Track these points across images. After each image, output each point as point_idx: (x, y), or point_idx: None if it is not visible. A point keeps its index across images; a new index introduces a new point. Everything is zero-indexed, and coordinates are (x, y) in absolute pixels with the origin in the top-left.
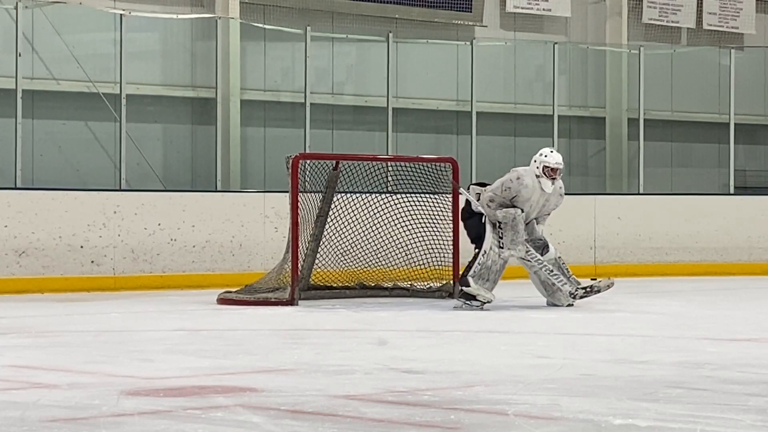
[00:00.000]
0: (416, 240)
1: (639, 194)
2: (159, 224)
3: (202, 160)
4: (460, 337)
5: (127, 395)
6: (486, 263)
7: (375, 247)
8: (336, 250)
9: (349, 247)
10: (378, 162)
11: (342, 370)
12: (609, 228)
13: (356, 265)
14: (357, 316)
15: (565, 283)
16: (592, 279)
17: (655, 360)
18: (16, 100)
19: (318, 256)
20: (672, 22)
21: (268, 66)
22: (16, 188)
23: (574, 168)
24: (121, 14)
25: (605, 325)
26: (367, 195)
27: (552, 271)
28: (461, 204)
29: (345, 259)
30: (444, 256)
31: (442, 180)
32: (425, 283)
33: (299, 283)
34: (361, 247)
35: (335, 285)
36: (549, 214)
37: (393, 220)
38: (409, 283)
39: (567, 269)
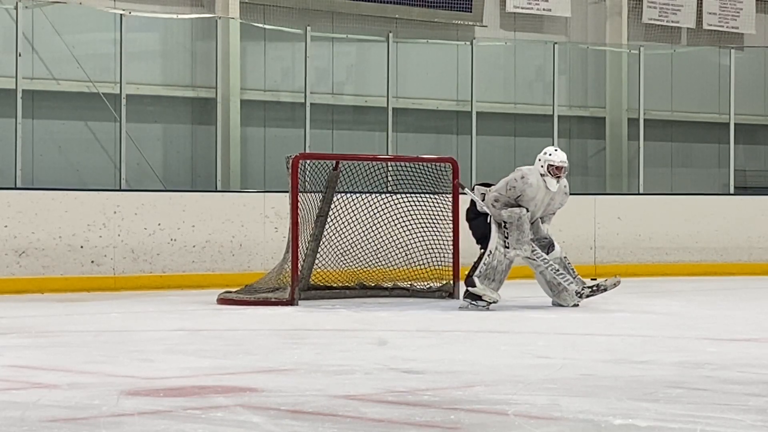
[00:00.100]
0: (416, 240)
1: (639, 194)
2: (159, 224)
3: (202, 160)
4: (460, 337)
5: (127, 395)
6: (491, 263)
7: (375, 247)
8: (336, 250)
9: (349, 247)
10: (378, 162)
11: (342, 370)
12: (609, 228)
13: (356, 265)
14: (357, 316)
15: (572, 282)
16: (591, 279)
17: (655, 360)
18: (16, 100)
19: (318, 256)
20: (672, 22)
21: (268, 66)
22: (16, 188)
23: (574, 168)
24: (121, 14)
25: (605, 325)
26: (367, 195)
27: (558, 270)
28: (462, 204)
29: (345, 259)
30: (444, 256)
31: (442, 180)
32: (425, 283)
33: (299, 283)
34: (361, 247)
35: (335, 285)
36: (554, 213)
37: (393, 220)
38: (409, 283)
39: (572, 269)
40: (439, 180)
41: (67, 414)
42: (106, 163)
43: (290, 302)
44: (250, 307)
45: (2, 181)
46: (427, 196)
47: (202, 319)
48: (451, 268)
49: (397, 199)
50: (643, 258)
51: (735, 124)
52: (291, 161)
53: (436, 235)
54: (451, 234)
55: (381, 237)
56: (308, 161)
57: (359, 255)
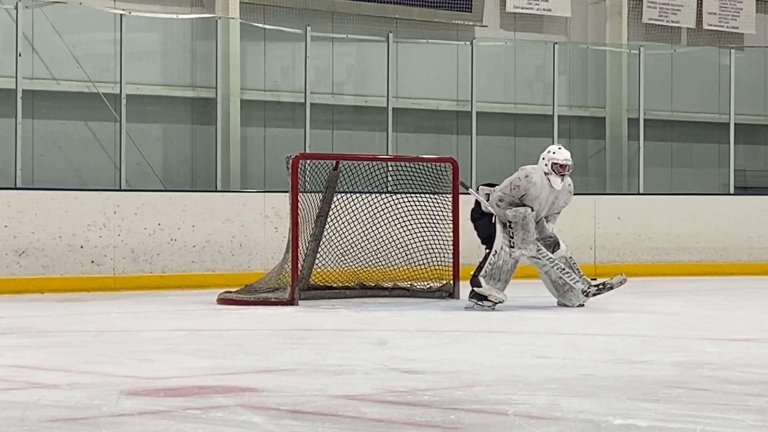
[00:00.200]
0: (416, 240)
1: (639, 194)
2: (159, 224)
3: (202, 160)
4: (460, 337)
5: (127, 395)
6: (497, 263)
7: (375, 247)
8: (336, 250)
9: (349, 247)
10: (378, 162)
11: (342, 370)
12: (609, 228)
13: (356, 265)
14: (357, 316)
15: (578, 281)
16: (592, 279)
17: (655, 360)
18: (16, 100)
19: (318, 256)
20: (672, 22)
21: (268, 66)
22: (16, 188)
23: (574, 168)
24: (121, 14)
25: (605, 325)
26: (367, 195)
27: (564, 269)
28: (462, 205)
29: (345, 259)
30: (444, 256)
31: (442, 180)
32: (425, 283)
33: (299, 283)
34: (361, 247)
35: (335, 285)
36: (559, 213)
37: (393, 220)
38: (409, 283)
39: (577, 268)
40: (439, 180)
41: (67, 414)
42: (106, 163)
43: (290, 302)
44: (250, 307)
45: (2, 181)
46: (427, 196)
47: (202, 319)
48: (451, 268)
49: (397, 199)
50: (643, 258)
51: (735, 124)
52: (291, 161)
53: (436, 235)
54: (451, 234)
55: (381, 237)
56: (308, 161)
57: (359, 255)
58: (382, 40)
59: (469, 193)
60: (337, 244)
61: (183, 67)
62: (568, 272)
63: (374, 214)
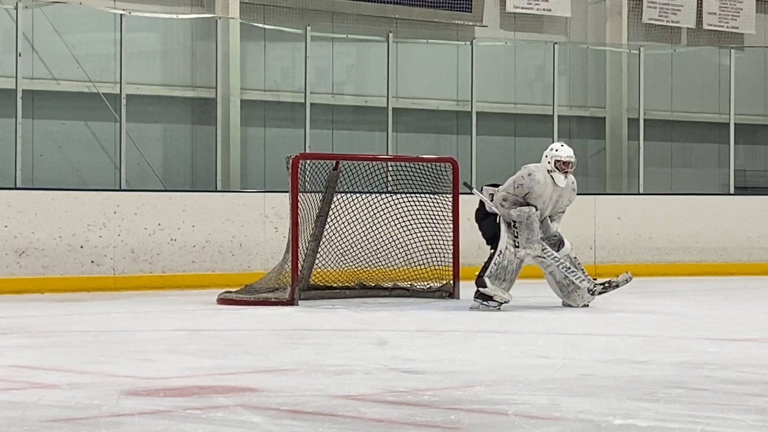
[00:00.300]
0: (416, 240)
1: (639, 194)
2: (159, 224)
3: (202, 160)
4: (460, 337)
5: (127, 395)
6: (502, 263)
7: (375, 247)
8: (336, 250)
9: (349, 247)
10: (378, 162)
11: (342, 370)
12: (609, 228)
13: (356, 265)
14: (357, 316)
15: (583, 280)
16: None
17: (655, 360)
18: (16, 100)
19: (318, 256)
20: (672, 22)
21: (268, 66)
22: (16, 188)
23: (575, 168)
24: (121, 14)
25: (605, 325)
26: (367, 195)
27: (569, 268)
28: (463, 205)
29: (345, 259)
30: (444, 256)
31: (442, 180)
32: (425, 283)
33: (299, 283)
34: (361, 247)
35: (335, 285)
36: (564, 212)
37: (393, 220)
38: (409, 283)
39: (582, 269)
40: (439, 180)
41: (67, 414)
42: (106, 163)
43: (290, 302)
44: (250, 307)
45: (2, 181)
46: (427, 196)
47: (202, 319)
48: (451, 268)
49: (397, 199)
50: (643, 258)
51: (735, 124)
52: (291, 161)
53: (436, 235)
54: (451, 234)
55: (381, 237)
56: (308, 161)
57: (359, 255)
58: (382, 40)
59: (473, 194)
60: (337, 244)
61: (183, 67)
62: (573, 271)
63: (374, 214)
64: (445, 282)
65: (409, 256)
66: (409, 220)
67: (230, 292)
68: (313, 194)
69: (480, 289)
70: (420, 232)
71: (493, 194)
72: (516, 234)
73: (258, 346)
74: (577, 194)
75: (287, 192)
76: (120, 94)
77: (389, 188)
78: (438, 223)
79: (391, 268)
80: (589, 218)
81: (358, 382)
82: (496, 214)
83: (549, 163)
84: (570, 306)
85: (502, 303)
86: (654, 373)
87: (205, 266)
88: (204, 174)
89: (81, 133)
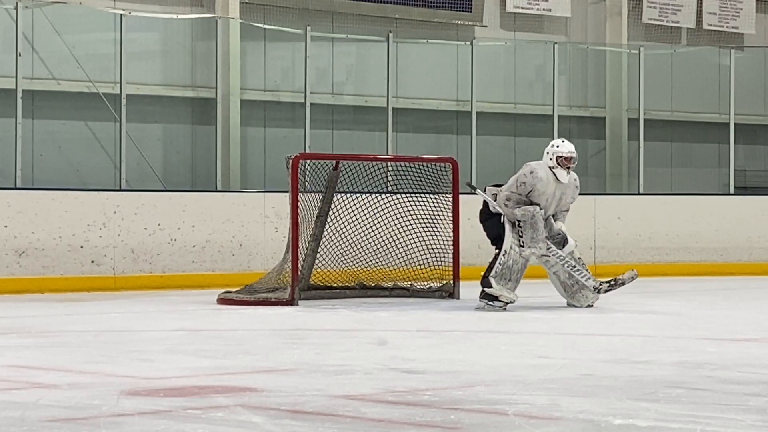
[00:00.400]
0: (416, 240)
1: (639, 194)
2: (159, 224)
3: (202, 160)
4: (460, 337)
5: (127, 395)
6: (507, 263)
7: (375, 247)
8: (336, 250)
9: (349, 247)
10: (378, 162)
11: (342, 370)
12: (609, 228)
13: (356, 265)
14: (357, 316)
15: (589, 278)
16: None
17: (655, 360)
18: (16, 100)
19: (318, 256)
20: (672, 22)
21: (268, 66)
22: (16, 188)
23: (574, 168)
24: (121, 14)
25: (605, 325)
26: (367, 195)
27: (575, 266)
28: (463, 205)
29: (345, 259)
30: (444, 256)
31: (442, 180)
32: (425, 283)
33: (299, 283)
34: (361, 247)
35: (335, 285)
36: (568, 210)
37: (393, 220)
38: (409, 283)
39: (586, 269)
40: (439, 180)
41: (67, 414)
42: (106, 163)
43: (290, 302)
44: (250, 307)
45: (2, 181)
46: (427, 196)
47: (202, 319)
48: (451, 268)
49: (397, 199)
50: (643, 258)
51: (735, 124)
52: (291, 161)
53: (436, 235)
54: (451, 234)
55: (381, 237)
56: (308, 161)
57: (359, 255)
58: (382, 40)
59: (476, 194)
60: (337, 244)
61: (183, 67)
62: (579, 270)
63: (374, 214)
64: (445, 282)
65: (409, 256)
66: (409, 220)
67: (230, 292)
68: (313, 194)
69: (485, 289)
70: (420, 232)
71: (496, 194)
72: (521, 233)
73: (258, 346)
74: (577, 195)
75: (287, 192)
76: (120, 94)
77: (389, 188)
78: (438, 223)
79: (391, 268)
80: (589, 218)
81: (358, 382)
82: (500, 214)
83: (551, 159)
84: (574, 306)
85: (507, 303)
86: (654, 373)
87: (205, 266)
88: (204, 174)
89: (81, 133)
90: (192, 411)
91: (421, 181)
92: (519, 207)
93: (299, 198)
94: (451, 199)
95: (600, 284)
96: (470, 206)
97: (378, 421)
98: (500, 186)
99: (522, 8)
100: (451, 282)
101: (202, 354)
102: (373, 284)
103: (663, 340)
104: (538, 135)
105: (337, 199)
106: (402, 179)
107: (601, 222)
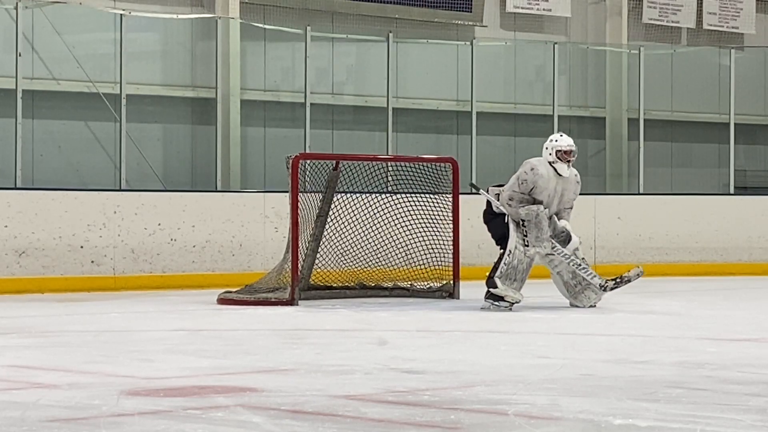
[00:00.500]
0: (416, 240)
1: (639, 194)
2: (159, 224)
3: (202, 160)
4: (460, 337)
5: (127, 395)
6: (512, 263)
7: (375, 247)
8: (336, 250)
9: (349, 247)
10: (378, 162)
11: (342, 370)
12: (609, 228)
13: (356, 265)
14: (357, 316)
15: (594, 276)
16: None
17: (655, 360)
18: (16, 100)
19: (318, 256)
20: (672, 22)
21: (268, 66)
22: (16, 188)
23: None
24: (121, 14)
25: (605, 325)
26: (367, 195)
27: (580, 264)
28: (463, 205)
29: (345, 259)
30: (444, 256)
31: (442, 180)
32: (425, 283)
33: (299, 283)
34: (361, 247)
35: (335, 285)
36: (572, 207)
37: (393, 220)
38: (409, 283)
39: (588, 266)
40: (439, 180)
41: (67, 414)
42: (106, 163)
43: (290, 302)
44: (250, 307)
45: (2, 181)
46: (427, 196)
47: (202, 319)
48: (451, 268)
49: (397, 199)
50: (643, 258)
51: (735, 124)
52: (291, 161)
53: (436, 235)
54: (451, 234)
55: (381, 237)
56: (308, 161)
57: (359, 255)
58: (382, 40)
59: (479, 194)
60: (337, 244)
61: (183, 67)
62: (584, 268)
63: (374, 214)
64: (445, 282)
65: (409, 256)
66: (409, 220)
67: (230, 292)
68: (313, 194)
69: (491, 289)
70: (420, 232)
71: (498, 194)
72: (525, 233)
73: (258, 346)
74: (577, 195)
75: (287, 192)
76: (120, 94)
77: (389, 188)
78: (438, 223)
79: (391, 268)
80: (589, 218)
81: (358, 382)
82: (504, 214)
83: (550, 154)
84: (577, 306)
85: (513, 303)
86: (654, 373)
87: (205, 266)
88: (204, 174)
89: (81, 133)
90: (192, 411)
91: (421, 181)
92: (522, 206)
93: (299, 198)
94: (451, 199)
95: (606, 282)
96: (470, 206)
97: (378, 421)
98: (502, 186)
99: (522, 8)
100: (451, 282)
101: (202, 354)
102: (373, 284)
103: (663, 340)
104: (538, 135)
105: (337, 199)
106: (402, 179)
107: (601, 222)
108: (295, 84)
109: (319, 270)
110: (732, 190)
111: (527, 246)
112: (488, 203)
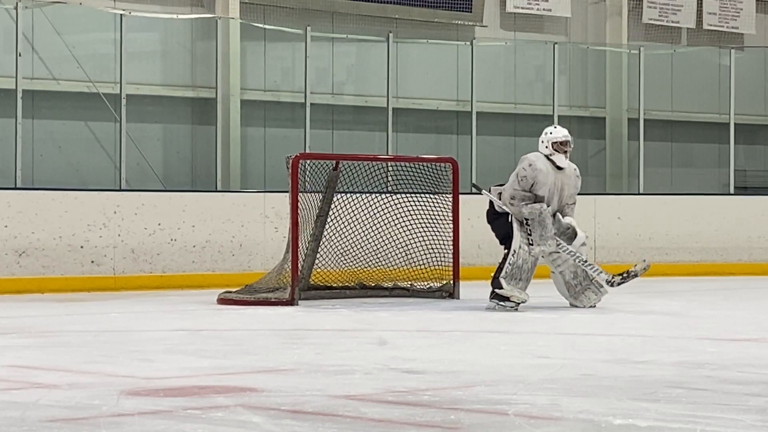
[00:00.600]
0: (416, 240)
1: (639, 194)
2: (159, 224)
3: (202, 160)
4: (460, 337)
5: (127, 395)
6: (517, 262)
7: (375, 247)
8: (336, 250)
9: (349, 247)
10: (378, 162)
11: (342, 370)
12: (609, 228)
13: (356, 265)
14: (357, 316)
15: (601, 272)
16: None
17: (655, 360)
18: (16, 100)
19: (318, 256)
20: (672, 22)
21: (268, 66)
22: (16, 188)
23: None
24: (121, 14)
25: (605, 325)
26: (367, 195)
27: (586, 261)
28: (463, 205)
29: (345, 259)
30: (444, 256)
31: (442, 180)
32: (425, 283)
33: (299, 283)
34: (361, 247)
35: (335, 285)
36: (575, 203)
37: (393, 220)
38: (409, 283)
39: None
40: (439, 180)
41: (67, 414)
42: (106, 163)
43: (290, 302)
44: (250, 307)
45: (2, 181)
46: (427, 196)
47: (202, 319)
48: (451, 268)
49: (397, 199)
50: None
51: (735, 124)
52: (291, 161)
53: (436, 235)
54: (451, 234)
55: (381, 237)
56: (308, 161)
57: (359, 255)
58: (382, 40)
59: (481, 194)
60: (337, 244)
61: (183, 67)
62: (590, 264)
63: (374, 214)
64: (445, 282)
65: (409, 256)
66: (409, 220)
67: (230, 292)
68: (313, 194)
69: (496, 290)
70: (420, 232)
71: (500, 193)
72: (529, 232)
73: (258, 346)
74: (578, 194)
75: (287, 192)
76: (120, 94)
77: (389, 188)
78: (438, 223)
79: (391, 268)
80: (589, 218)
81: (358, 382)
82: (508, 214)
83: (546, 147)
84: (577, 307)
85: (519, 303)
86: (654, 373)
87: (205, 266)
88: (204, 174)
89: (81, 133)
90: (192, 411)
91: (421, 181)
92: (525, 204)
93: (299, 198)
94: (451, 199)
95: (612, 277)
96: (470, 206)
97: (378, 421)
98: (503, 185)
99: (522, 8)
100: (451, 282)
101: (202, 354)
102: (373, 284)
103: (663, 340)
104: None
105: (337, 199)
106: (402, 179)
107: (601, 222)
108: (295, 84)
109: (319, 270)
110: (732, 190)
111: (532, 245)
112: (491, 203)
